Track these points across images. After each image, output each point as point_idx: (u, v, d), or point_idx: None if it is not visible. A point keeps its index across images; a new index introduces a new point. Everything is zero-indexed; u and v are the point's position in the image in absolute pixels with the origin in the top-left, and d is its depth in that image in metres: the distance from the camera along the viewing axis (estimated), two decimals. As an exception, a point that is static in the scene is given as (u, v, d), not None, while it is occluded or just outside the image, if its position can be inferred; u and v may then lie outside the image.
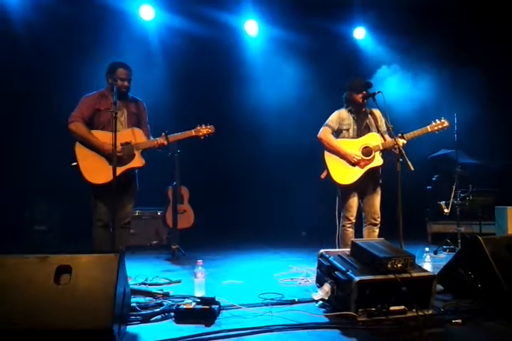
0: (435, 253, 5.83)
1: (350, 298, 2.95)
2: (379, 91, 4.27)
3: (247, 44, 8.14)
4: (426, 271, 3.29)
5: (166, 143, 4.08)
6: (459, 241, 5.94)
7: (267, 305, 3.37)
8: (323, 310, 3.27)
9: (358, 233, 4.65)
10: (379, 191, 4.60)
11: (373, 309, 2.97)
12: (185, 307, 3.06)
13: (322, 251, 3.57)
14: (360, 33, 8.24)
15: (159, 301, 3.38)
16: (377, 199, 4.58)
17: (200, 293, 3.50)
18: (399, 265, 3.05)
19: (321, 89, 7.63)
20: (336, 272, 3.20)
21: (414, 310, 2.97)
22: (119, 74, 4.04)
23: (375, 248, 3.25)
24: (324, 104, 6.10)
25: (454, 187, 6.15)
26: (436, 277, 3.14)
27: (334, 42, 8.04)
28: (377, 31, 8.08)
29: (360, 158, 4.42)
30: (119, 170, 3.89)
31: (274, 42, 8.07)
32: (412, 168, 3.91)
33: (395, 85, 6.57)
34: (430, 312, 3.08)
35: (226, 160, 7.84)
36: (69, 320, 2.41)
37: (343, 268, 3.15)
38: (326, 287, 3.23)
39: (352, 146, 4.50)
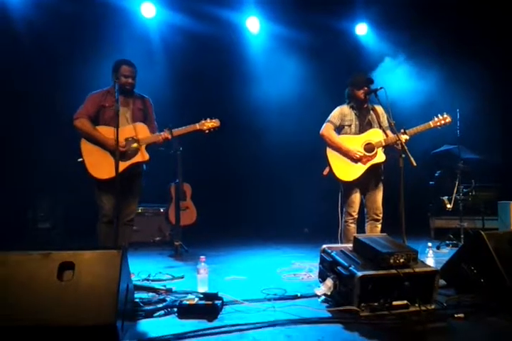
0: (438, 248, 5.83)
1: (353, 293, 2.96)
2: (381, 87, 4.26)
3: (248, 41, 8.13)
4: (428, 266, 3.29)
5: (170, 137, 4.08)
6: (462, 236, 5.94)
7: (269, 300, 3.38)
8: (326, 305, 3.27)
9: (361, 228, 4.65)
10: (381, 187, 4.60)
11: (376, 304, 2.98)
12: (188, 302, 3.07)
13: (324, 246, 3.57)
14: (362, 29, 8.22)
15: (162, 297, 3.39)
16: (379, 195, 4.58)
17: (203, 288, 3.52)
18: (401, 260, 3.05)
19: (323, 86, 7.62)
20: (338, 267, 3.20)
21: (416, 304, 2.98)
22: (122, 72, 4.08)
23: (378, 243, 3.25)
24: (326, 100, 6.08)
25: (457, 182, 6.14)
26: (438, 272, 3.15)
27: (336, 39, 8.03)
28: (379, 27, 8.06)
29: (362, 155, 4.42)
30: (124, 164, 3.93)
31: (276, 39, 8.06)
32: (415, 164, 3.91)
33: (397, 80, 6.55)
34: (433, 306, 3.08)
35: (228, 157, 7.85)
36: (72, 317, 2.42)
37: (346, 264, 3.15)
38: (329, 282, 3.24)
39: (354, 142, 4.50)
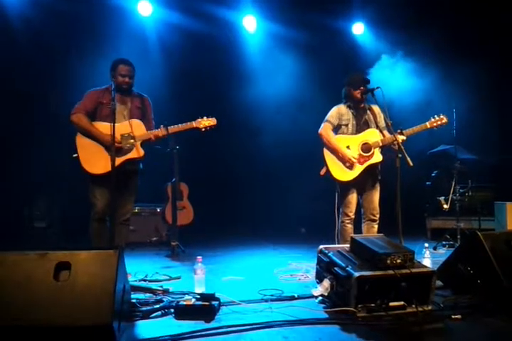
0: (434, 248, 5.83)
1: (350, 294, 2.96)
2: (378, 87, 4.26)
3: (245, 40, 8.11)
4: (425, 266, 3.29)
5: (165, 133, 4.10)
6: (459, 236, 5.94)
7: (266, 301, 3.38)
8: (323, 305, 3.27)
9: (357, 229, 4.65)
10: (378, 187, 4.61)
11: (373, 305, 2.98)
12: (185, 303, 3.07)
13: (321, 247, 3.57)
14: (358, 28, 8.21)
15: (159, 297, 3.39)
16: (376, 196, 4.58)
17: (199, 289, 3.50)
18: (398, 261, 3.05)
19: (320, 85, 7.62)
20: (335, 268, 3.20)
21: (413, 305, 2.98)
22: (119, 71, 4.10)
23: (375, 244, 3.25)
24: (323, 99, 6.09)
25: (454, 182, 6.14)
26: (435, 273, 3.15)
27: (333, 38, 8.02)
28: (376, 26, 8.05)
29: (355, 161, 4.42)
30: (119, 160, 3.93)
31: (273, 37, 8.04)
32: (412, 164, 3.92)
33: (393, 80, 6.55)
34: (430, 307, 3.08)
35: (225, 156, 7.83)
36: (68, 317, 2.41)
37: (343, 264, 3.15)
38: (326, 283, 3.24)
39: (351, 142, 4.50)
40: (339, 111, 4.63)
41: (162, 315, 3.05)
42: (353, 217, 4.57)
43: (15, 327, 2.39)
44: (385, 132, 4.47)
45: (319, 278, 3.47)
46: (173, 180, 6.09)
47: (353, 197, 4.55)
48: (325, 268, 3.38)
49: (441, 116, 4.45)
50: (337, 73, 6.23)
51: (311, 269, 4.30)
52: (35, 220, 6.64)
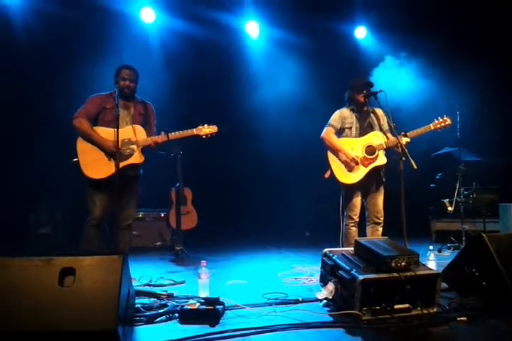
0: (439, 251, 5.81)
1: (355, 297, 2.95)
2: (381, 90, 4.27)
3: (248, 45, 8.14)
4: (430, 269, 3.29)
5: (166, 139, 4.09)
6: (463, 238, 5.93)
7: (271, 304, 3.37)
8: (328, 309, 3.27)
9: (362, 232, 4.64)
10: (382, 190, 4.60)
11: (378, 307, 2.97)
12: (189, 307, 3.07)
13: (326, 250, 3.56)
14: (361, 32, 8.23)
15: (164, 302, 3.38)
16: (380, 198, 4.58)
17: (204, 293, 3.51)
18: (403, 263, 3.05)
19: (323, 89, 7.61)
20: (339, 271, 3.20)
21: (418, 308, 2.96)
22: (121, 75, 4.11)
23: (379, 246, 3.25)
24: (326, 104, 6.09)
25: (458, 184, 6.13)
26: (440, 275, 3.14)
27: (335, 42, 8.04)
28: (378, 30, 8.06)
29: (359, 160, 4.42)
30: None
31: (275, 43, 8.07)
32: (415, 167, 3.92)
33: (397, 83, 6.55)
34: (435, 310, 3.07)
35: (229, 161, 7.84)
36: (73, 322, 2.41)
37: (347, 267, 3.15)
38: (330, 286, 3.23)
39: (355, 145, 4.50)
40: (342, 115, 4.63)
41: (167, 320, 3.05)
42: (357, 220, 4.56)
43: (20, 332, 2.40)
44: (389, 134, 4.47)
45: (324, 282, 3.46)
46: (177, 184, 6.11)
47: (357, 200, 4.54)
48: (329, 272, 3.38)
49: (445, 118, 4.45)
50: (340, 77, 6.23)
51: (315, 272, 4.29)
52: (40, 226, 6.66)
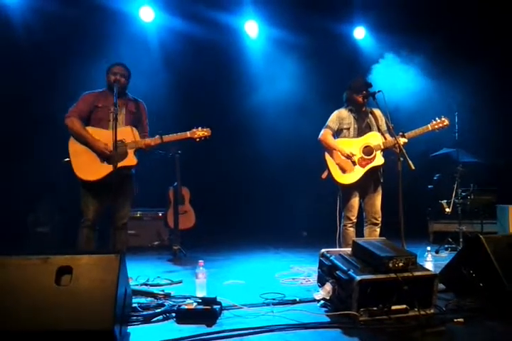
0: (437, 252, 5.82)
1: (352, 298, 2.95)
2: (379, 91, 4.27)
3: (247, 45, 8.14)
4: (427, 270, 3.28)
5: (159, 142, 4.05)
6: (461, 240, 5.92)
7: (268, 305, 3.37)
8: (325, 309, 3.27)
9: (359, 232, 4.64)
10: (380, 190, 4.60)
11: (375, 308, 2.97)
12: (186, 307, 3.06)
13: (323, 250, 3.56)
14: (360, 33, 8.23)
15: (161, 302, 3.38)
16: (378, 199, 4.57)
17: (201, 293, 3.50)
18: (400, 264, 3.05)
19: (322, 90, 7.61)
20: (337, 271, 3.20)
21: (415, 309, 2.97)
22: (112, 70, 4.08)
23: (377, 247, 3.25)
24: (325, 104, 6.09)
25: (455, 186, 6.14)
26: (437, 276, 3.14)
27: (334, 43, 8.04)
28: (377, 30, 8.07)
29: (354, 157, 4.41)
30: (110, 168, 3.81)
31: (274, 43, 8.07)
32: (413, 168, 3.92)
33: (394, 83, 6.56)
34: (432, 311, 3.08)
35: (227, 160, 7.84)
36: (70, 321, 2.41)
37: (345, 268, 3.15)
38: (328, 286, 3.23)
39: (353, 145, 4.50)
40: (339, 115, 4.63)
41: (163, 319, 3.04)
42: (355, 220, 4.56)
43: (16, 331, 2.39)
44: (387, 135, 4.47)
45: (321, 282, 3.46)
46: (175, 184, 6.10)
47: (355, 201, 4.54)
48: (327, 272, 3.38)
49: (443, 119, 4.46)
50: (338, 77, 6.23)
51: (312, 273, 4.30)
52: (39, 225, 6.65)
